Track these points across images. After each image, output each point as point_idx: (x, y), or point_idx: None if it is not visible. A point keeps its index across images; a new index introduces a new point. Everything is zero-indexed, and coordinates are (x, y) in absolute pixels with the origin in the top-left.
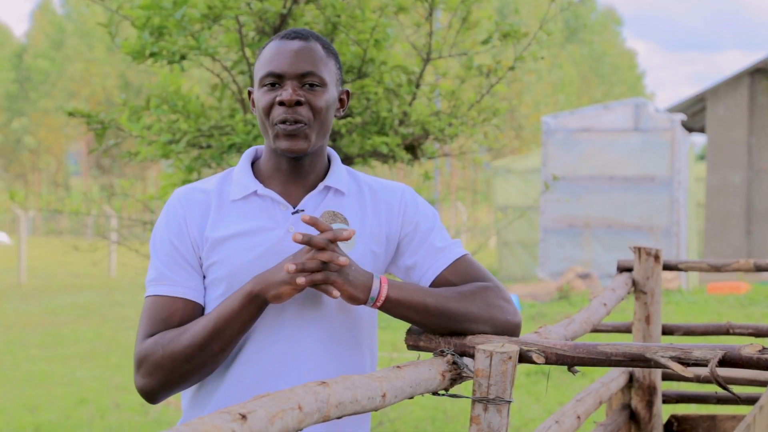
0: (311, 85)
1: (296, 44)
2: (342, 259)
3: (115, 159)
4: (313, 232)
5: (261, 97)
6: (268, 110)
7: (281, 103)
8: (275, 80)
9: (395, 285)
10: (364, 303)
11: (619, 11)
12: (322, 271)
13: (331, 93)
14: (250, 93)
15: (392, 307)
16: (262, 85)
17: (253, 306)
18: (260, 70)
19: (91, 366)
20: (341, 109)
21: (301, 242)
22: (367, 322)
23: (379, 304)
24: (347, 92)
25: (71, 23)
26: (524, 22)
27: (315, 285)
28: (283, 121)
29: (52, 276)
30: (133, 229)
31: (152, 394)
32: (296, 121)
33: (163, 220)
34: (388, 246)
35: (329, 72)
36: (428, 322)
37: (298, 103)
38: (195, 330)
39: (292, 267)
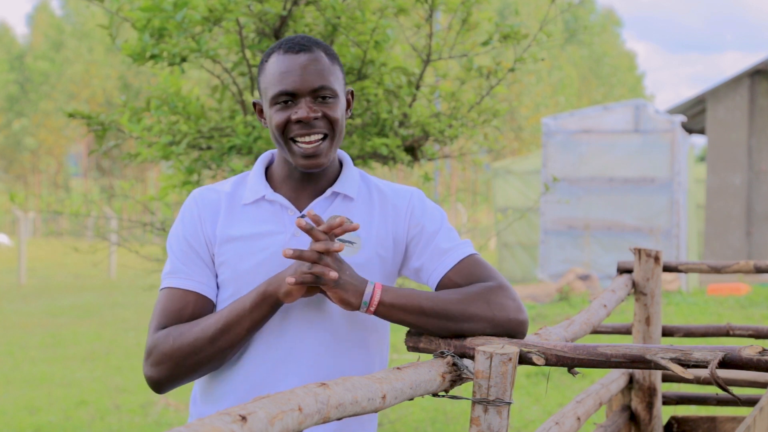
0: (324, 98)
1: (303, 58)
2: (332, 274)
3: (115, 160)
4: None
5: (274, 115)
6: (283, 127)
7: (298, 121)
8: (288, 98)
9: (390, 290)
10: (358, 308)
11: (618, 12)
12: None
13: (342, 101)
14: (255, 105)
15: (387, 311)
16: (274, 103)
17: (266, 305)
18: (270, 88)
19: (91, 367)
20: (348, 110)
21: (291, 257)
22: (373, 323)
23: (372, 308)
24: (351, 92)
25: (70, 25)
26: (524, 23)
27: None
28: (301, 137)
29: (52, 277)
30: (133, 230)
31: (159, 384)
32: (315, 135)
33: (179, 218)
34: (396, 249)
35: (337, 80)
36: (427, 325)
37: (315, 119)
38: (207, 323)
39: (291, 280)
